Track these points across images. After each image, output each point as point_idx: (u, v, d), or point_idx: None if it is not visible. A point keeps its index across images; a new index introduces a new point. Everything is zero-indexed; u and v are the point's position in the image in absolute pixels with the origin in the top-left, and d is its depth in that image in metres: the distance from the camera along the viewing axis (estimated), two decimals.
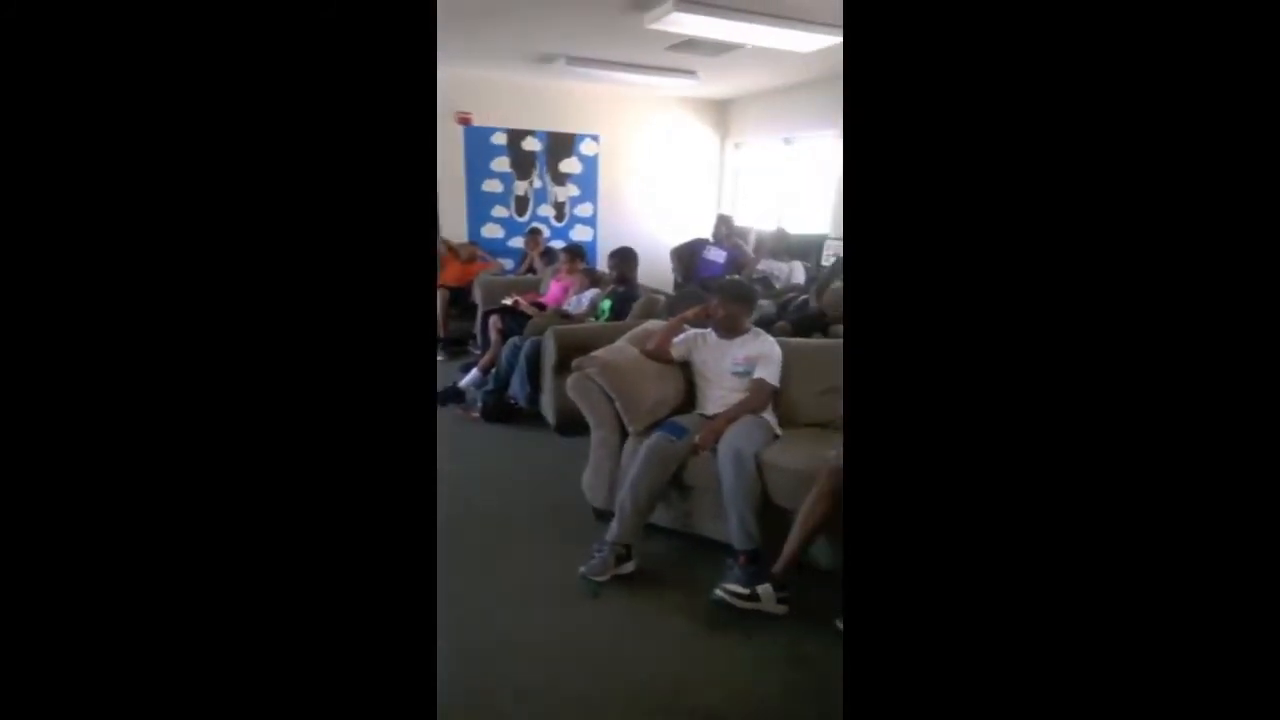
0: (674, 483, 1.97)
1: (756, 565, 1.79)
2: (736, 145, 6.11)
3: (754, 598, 1.69)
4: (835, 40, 3.33)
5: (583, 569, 1.82)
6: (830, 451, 1.83)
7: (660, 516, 2.04)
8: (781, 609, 1.71)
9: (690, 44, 3.70)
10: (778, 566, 1.74)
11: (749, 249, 4.57)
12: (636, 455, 1.96)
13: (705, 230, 5.09)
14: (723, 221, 4.60)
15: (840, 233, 4.46)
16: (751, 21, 3.06)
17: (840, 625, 1.67)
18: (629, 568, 1.88)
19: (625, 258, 3.44)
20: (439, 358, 3.97)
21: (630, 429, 2.06)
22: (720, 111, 6.02)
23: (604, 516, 2.07)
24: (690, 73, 4.55)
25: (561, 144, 5.61)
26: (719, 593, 1.70)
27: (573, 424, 2.50)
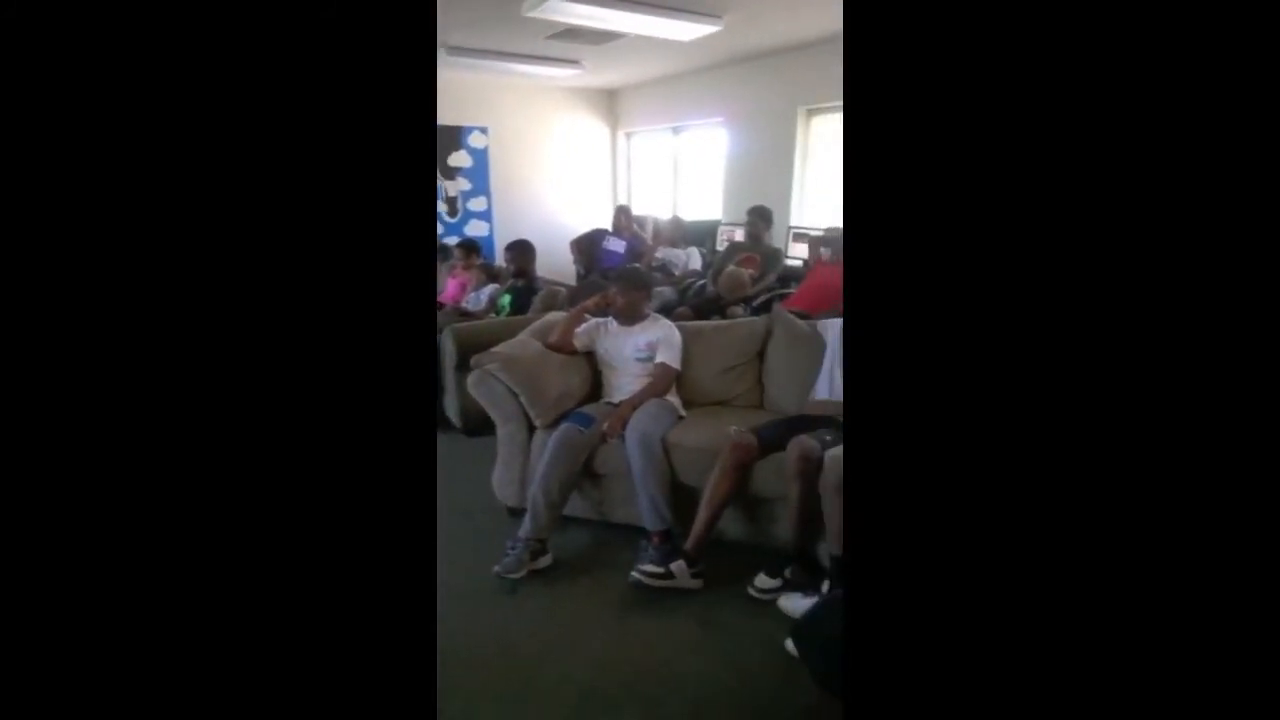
0: (585, 472, 1.98)
1: (670, 544, 1.84)
2: (628, 135, 6.15)
3: (669, 575, 1.73)
4: (713, 29, 3.42)
5: (497, 568, 1.79)
6: (731, 428, 1.90)
7: (574, 507, 2.05)
8: (696, 583, 1.77)
9: (572, 33, 3.68)
10: (689, 543, 1.79)
11: (648, 238, 4.64)
12: (545, 448, 1.95)
13: (603, 220, 5.10)
14: (621, 212, 4.64)
15: (730, 218, 4.61)
16: (628, 10, 3.09)
17: (751, 591, 1.75)
18: (545, 561, 1.87)
19: (523, 251, 3.39)
20: None
21: (537, 423, 2.05)
22: (609, 101, 6.04)
23: (517, 514, 2.04)
24: (575, 62, 4.53)
25: (448, 137, 5.41)
26: (635, 574, 1.73)
27: (478, 424, 2.45)
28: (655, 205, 5.71)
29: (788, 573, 1.77)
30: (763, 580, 1.77)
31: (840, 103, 4.00)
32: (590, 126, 6.04)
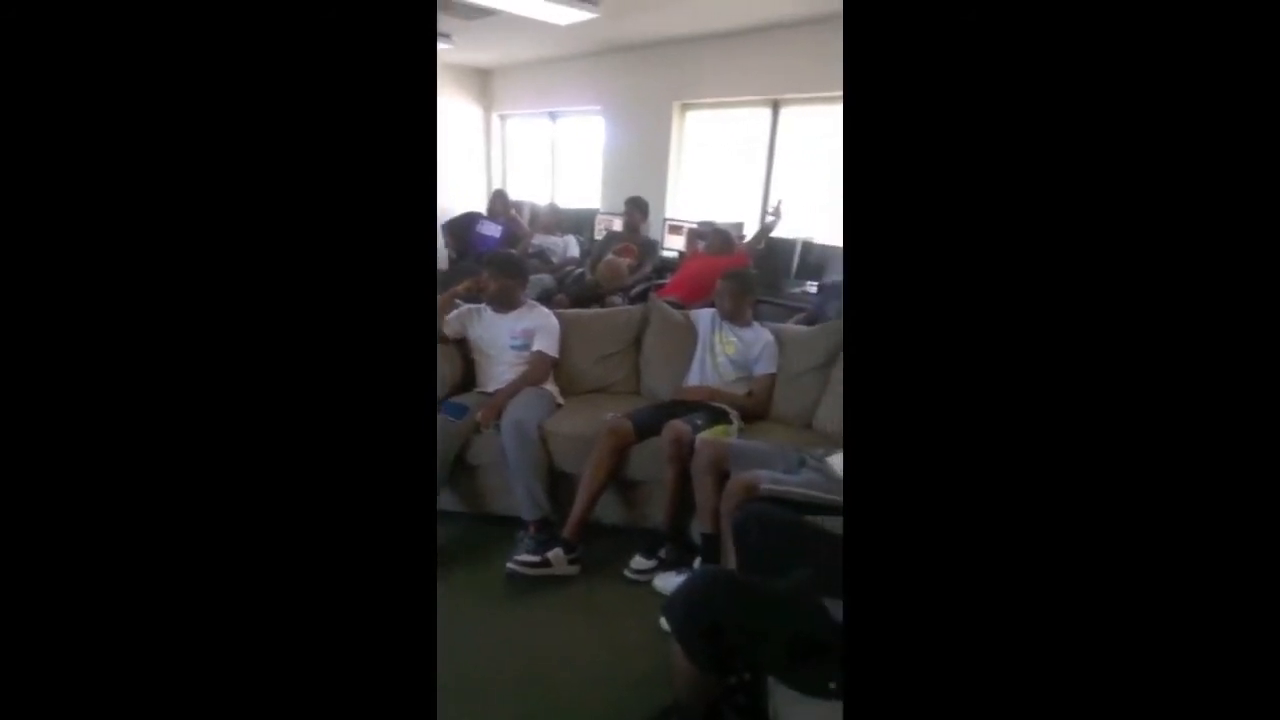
0: (458, 464, 1.91)
1: (547, 533, 1.82)
2: (502, 117, 5.98)
3: (545, 564, 1.72)
4: (590, 15, 3.40)
5: None
6: (607, 414, 1.92)
7: (446, 501, 1.97)
8: (574, 569, 1.77)
9: (441, 3, 3.49)
10: (567, 530, 1.79)
11: (524, 223, 4.54)
12: None
13: (476, 204, 4.92)
14: (498, 196, 4.50)
15: (608, 207, 4.64)
16: None
17: (628, 573, 1.79)
18: None
19: None
20: None
21: None
22: (482, 81, 5.82)
23: None
24: (445, 35, 4.31)
25: None
26: (511, 565, 1.71)
27: None
28: (532, 192, 5.60)
29: (662, 552, 1.82)
30: (638, 561, 1.81)
31: (715, 99, 4.18)
32: (462, 106, 5.79)
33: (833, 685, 0.97)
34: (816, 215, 3.75)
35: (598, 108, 4.92)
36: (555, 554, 1.74)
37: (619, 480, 1.90)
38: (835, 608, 1.05)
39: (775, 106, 3.90)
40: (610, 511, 1.97)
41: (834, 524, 1.38)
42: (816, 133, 3.82)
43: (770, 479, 1.54)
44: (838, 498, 1.53)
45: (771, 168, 4.01)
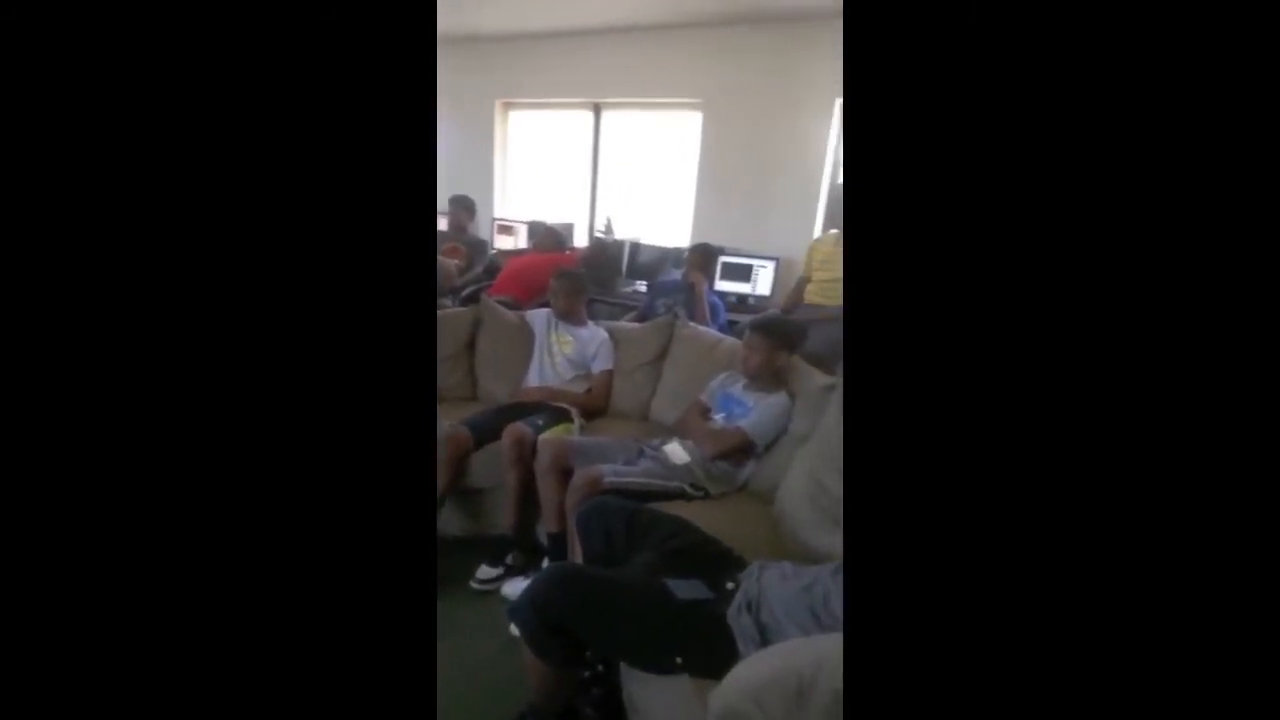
0: None
1: None
2: None
3: None
4: None
5: None
6: (445, 423, 1.84)
7: None
8: None
9: None
10: None
11: None
12: None
13: None
14: None
15: (451, 192, 4.42)
16: None
17: (473, 584, 1.73)
18: None
19: None
20: None
21: None
22: None
23: None
24: None
25: None
26: None
27: None
28: None
29: (509, 559, 1.79)
30: (484, 571, 1.76)
31: (537, 100, 4.16)
32: None
33: (679, 660, 1.03)
34: (642, 217, 3.91)
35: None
36: None
37: (459, 490, 1.83)
38: (677, 586, 1.11)
39: (597, 110, 3.99)
40: (452, 523, 1.89)
41: (673, 508, 1.46)
42: (638, 137, 3.98)
43: (612, 472, 1.58)
44: (676, 483, 1.62)
45: (597, 170, 4.10)
